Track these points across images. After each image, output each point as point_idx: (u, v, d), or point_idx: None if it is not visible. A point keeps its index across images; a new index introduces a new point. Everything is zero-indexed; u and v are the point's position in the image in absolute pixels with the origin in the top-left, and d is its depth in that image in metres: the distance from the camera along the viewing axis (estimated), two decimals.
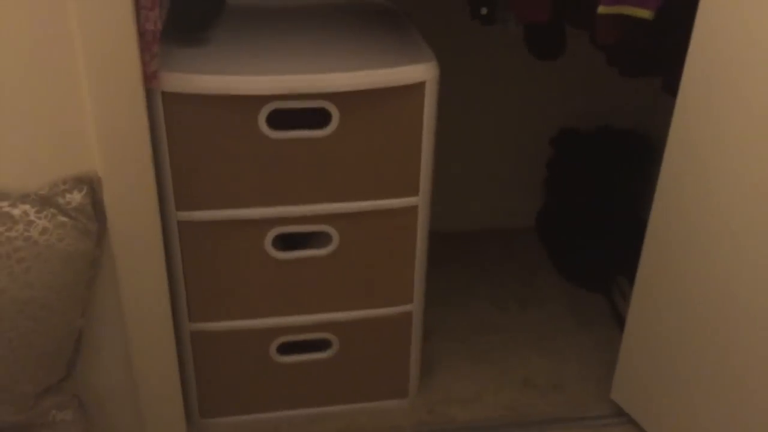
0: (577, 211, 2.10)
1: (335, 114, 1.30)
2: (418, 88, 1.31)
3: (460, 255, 2.16)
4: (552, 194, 2.21)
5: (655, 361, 1.49)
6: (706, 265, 1.32)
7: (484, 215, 2.26)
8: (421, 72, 1.31)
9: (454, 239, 2.21)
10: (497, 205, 2.25)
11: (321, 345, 1.55)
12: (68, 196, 1.14)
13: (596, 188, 2.06)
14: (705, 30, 1.23)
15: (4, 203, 1.10)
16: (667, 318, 1.44)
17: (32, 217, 1.10)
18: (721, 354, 1.34)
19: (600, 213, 2.04)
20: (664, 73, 1.49)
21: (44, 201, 1.12)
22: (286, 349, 1.53)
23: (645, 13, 1.30)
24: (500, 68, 2.00)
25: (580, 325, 1.92)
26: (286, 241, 1.44)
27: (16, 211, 1.10)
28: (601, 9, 1.28)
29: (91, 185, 1.16)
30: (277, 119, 1.30)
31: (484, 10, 1.34)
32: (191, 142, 1.29)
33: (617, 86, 1.85)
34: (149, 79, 1.21)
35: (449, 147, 2.12)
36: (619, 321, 1.85)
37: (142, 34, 1.16)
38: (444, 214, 2.20)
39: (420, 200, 1.42)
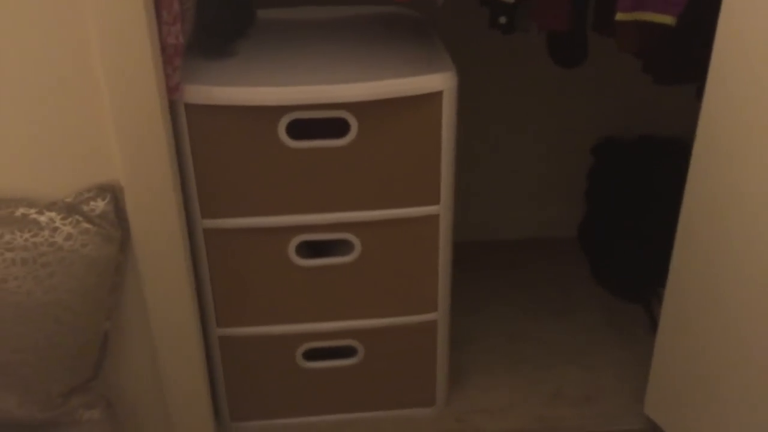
0: (618, 220, 2.06)
1: (354, 123, 1.32)
2: (435, 97, 1.32)
3: (499, 264, 2.15)
4: (593, 204, 2.18)
5: (688, 373, 1.45)
6: (738, 274, 1.28)
7: (526, 225, 2.25)
8: (439, 81, 1.31)
9: (494, 248, 2.20)
10: (539, 215, 2.24)
11: (347, 352, 1.57)
12: (92, 203, 1.19)
13: (638, 198, 2.02)
14: (728, 33, 1.20)
15: (32, 210, 1.16)
16: (699, 328, 1.40)
17: (57, 223, 1.16)
18: (756, 367, 1.29)
19: (641, 223, 2.00)
20: (697, 80, 1.46)
21: (70, 208, 1.18)
22: (312, 355, 1.56)
23: (667, 19, 1.28)
24: (541, 77, 1.98)
25: (618, 337, 1.88)
26: (313, 249, 1.47)
27: (42, 218, 1.15)
28: (619, 16, 1.26)
29: (113, 193, 1.21)
30: (298, 129, 1.32)
31: (503, 19, 1.34)
32: (214, 152, 1.33)
33: (658, 93, 1.81)
34: (172, 91, 1.25)
35: (491, 156, 2.12)
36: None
37: (163, 48, 1.21)
38: (485, 223, 2.21)
39: (441, 209, 1.42)
